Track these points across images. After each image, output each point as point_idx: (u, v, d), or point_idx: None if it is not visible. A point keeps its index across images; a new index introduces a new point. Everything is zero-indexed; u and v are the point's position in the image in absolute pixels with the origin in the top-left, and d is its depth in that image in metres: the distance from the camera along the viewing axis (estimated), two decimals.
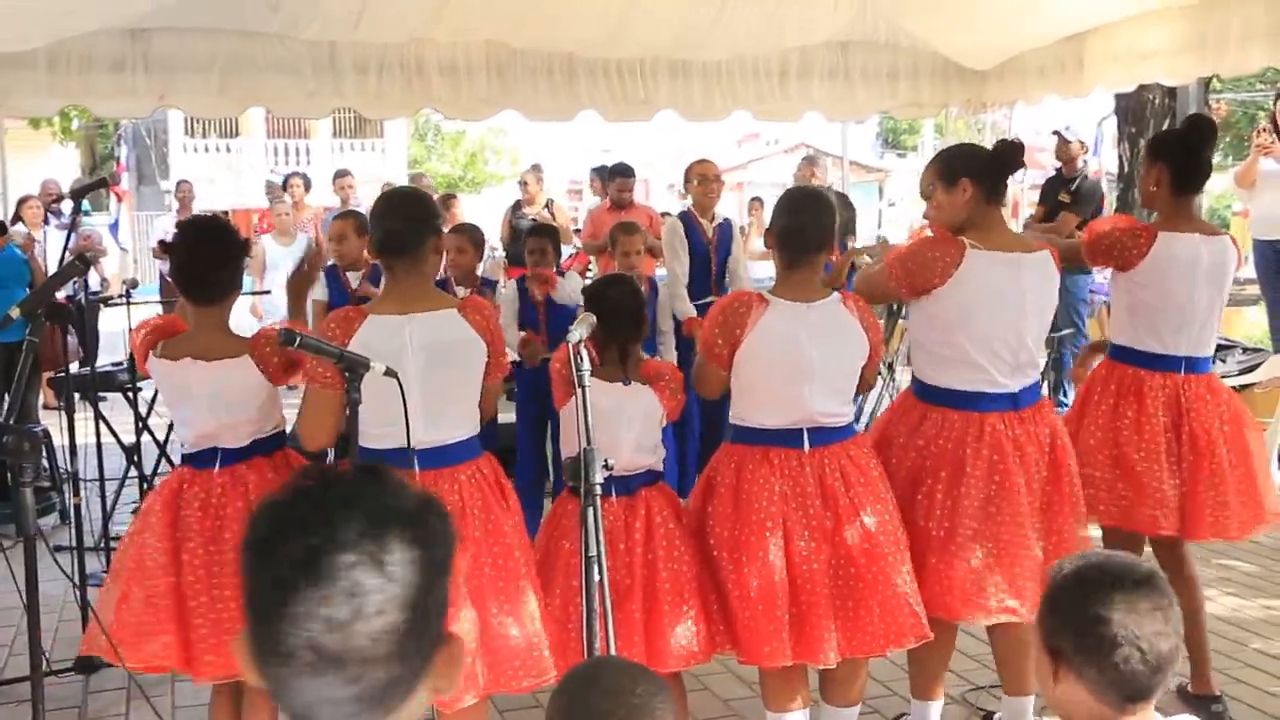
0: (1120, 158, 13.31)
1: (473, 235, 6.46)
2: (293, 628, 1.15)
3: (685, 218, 6.80)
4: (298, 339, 2.48)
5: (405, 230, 3.03)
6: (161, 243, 3.57)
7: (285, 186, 11.51)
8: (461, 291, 5.79)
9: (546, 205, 11.20)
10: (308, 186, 11.58)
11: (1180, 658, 1.89)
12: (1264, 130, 7.84)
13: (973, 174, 3.61)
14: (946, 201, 3.64)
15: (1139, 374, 4.03)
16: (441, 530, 1.25)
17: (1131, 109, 13.11)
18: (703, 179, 6.70)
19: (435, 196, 11.10)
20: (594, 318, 2.88)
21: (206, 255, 3.21)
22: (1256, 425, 4.30)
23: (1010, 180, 3.81)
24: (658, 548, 3.33)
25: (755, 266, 9.87)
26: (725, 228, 6.78)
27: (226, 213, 12.23)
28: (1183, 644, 1.91)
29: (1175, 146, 4.09)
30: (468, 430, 3.09)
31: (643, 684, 1.68)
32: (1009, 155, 3.68)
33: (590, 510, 2.55)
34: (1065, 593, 1.91)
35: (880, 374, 7.68)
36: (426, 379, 2.95)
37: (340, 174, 11.42)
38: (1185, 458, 3.97)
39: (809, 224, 3.39)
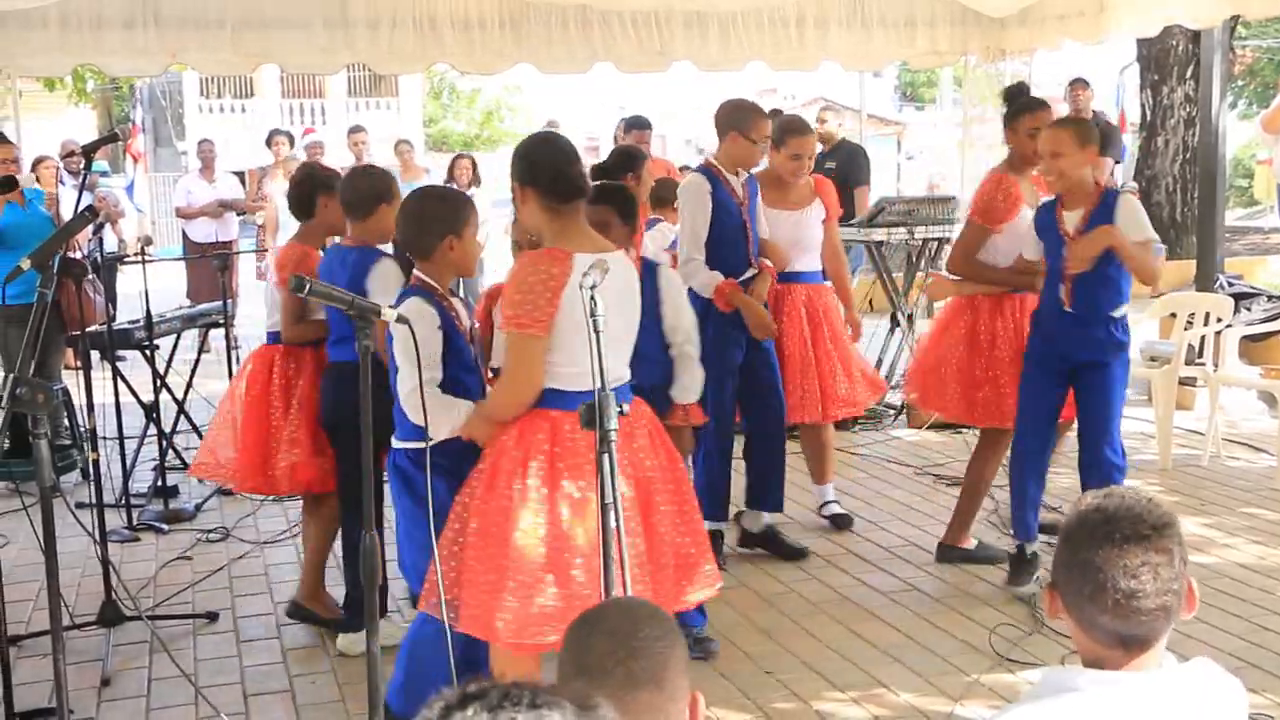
0: (1143, 106, 13.17)
1: None
2: None
3: (707, 173, 5.09)
4: (307, 285, 2.45)
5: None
6: None
7: (269, 144, 10.96)
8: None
9: None
10: (292, 144, 11.27)
11: (1177, 608, 1.82)
12: None
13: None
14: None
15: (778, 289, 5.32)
16: None
17: (1154, 56, 12.95)
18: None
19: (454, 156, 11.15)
20: (607, 264, 2.84)
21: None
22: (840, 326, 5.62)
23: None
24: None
25: None
26: (751, 184, 5.20)
27: (242, 174, 12.07)
28: (1181, 597, 1.83)
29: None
30: None
31: (647, 626, 1.64)
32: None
33: (606, 457, 2.52)
34: (1068, 531, 1.88)
35: (898, 324, 7.66)
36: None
37: (354, 129, 11.35)
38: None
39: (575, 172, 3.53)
